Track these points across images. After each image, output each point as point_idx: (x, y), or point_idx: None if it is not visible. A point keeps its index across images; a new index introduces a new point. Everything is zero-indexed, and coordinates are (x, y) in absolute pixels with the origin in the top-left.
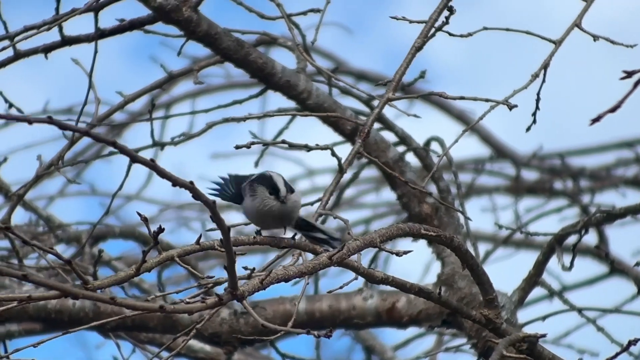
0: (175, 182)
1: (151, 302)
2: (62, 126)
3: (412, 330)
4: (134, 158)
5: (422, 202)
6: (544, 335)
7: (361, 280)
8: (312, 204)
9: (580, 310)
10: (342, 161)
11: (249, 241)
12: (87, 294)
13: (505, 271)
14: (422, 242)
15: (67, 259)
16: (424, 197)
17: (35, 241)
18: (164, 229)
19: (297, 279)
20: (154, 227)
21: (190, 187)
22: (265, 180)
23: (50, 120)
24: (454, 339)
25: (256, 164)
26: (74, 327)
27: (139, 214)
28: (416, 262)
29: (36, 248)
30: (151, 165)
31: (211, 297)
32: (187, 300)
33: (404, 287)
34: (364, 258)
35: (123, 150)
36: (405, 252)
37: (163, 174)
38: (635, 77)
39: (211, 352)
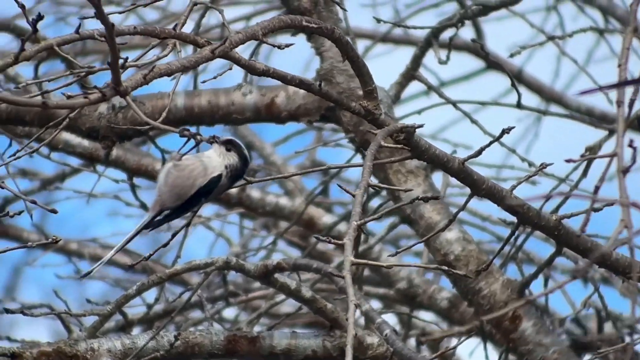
0: None
1: (33, 98)
2: None
3: (291, 127)
4: None
5: None
6: (421, 126)
7: (241, 76)
8: None
9: (455, 103)
10: None
11: (129, 31)
12: None
13: (384, 68)
14: (302, 42)
15: None
16: None
17: None
18: (43, 16)
19: (179, 74)
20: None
21: None
22: None
23: None
24: (333, 135)
25: None
26: None
27: (16, 1)
28: (296, 61)
29: None
30: None
31: (94, 92)
32: (69, 95)
33: (284, 79)
34: (244, 55)
35: None
36: (287, 45)
37: None
38: None
39: (89, 147)
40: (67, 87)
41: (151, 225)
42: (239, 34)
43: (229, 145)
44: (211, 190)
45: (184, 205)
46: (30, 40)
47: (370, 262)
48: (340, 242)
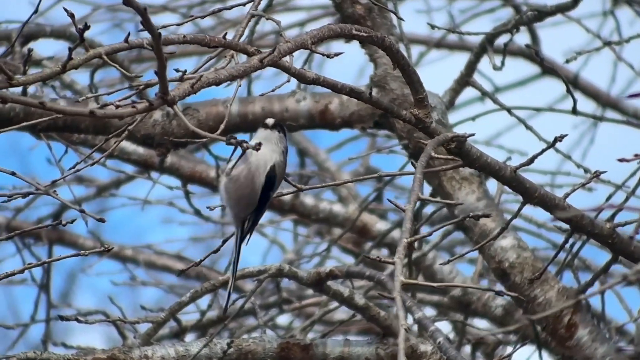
0: None
1: (82, 106)
2: None
3: (345, 133)
4: None
5: (356, 2)
6: (472, 135)
7: (294, 83)
8: (244, 4)
9: (509, 110)
10: None
11: (178, 40)
12: (15, 98)
13: (439, 74)
14: (357, 47)
15: None
16: None
17: None
18: (89, 26)
19: (229, 82)
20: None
21: None
22: None
23: None
24: (386, 141)
25: None
26: (3, 127)
27: (65, 10)
28: (351, 67)
29: None
30: None
31: (142, 101)
32: (118, 104)
33: (335, 87)
34: (298, 62)
35: None
36: (337, 54)
37: None
38: None
39: (144, 154)
40: (125, 99)
41: (244, 237)
42: (288, 43)
43: (278, 127)
44: (273, 182)
45: (259, 207)
46: (82, 48)
47: (421, 282)
48: (390, 260)
